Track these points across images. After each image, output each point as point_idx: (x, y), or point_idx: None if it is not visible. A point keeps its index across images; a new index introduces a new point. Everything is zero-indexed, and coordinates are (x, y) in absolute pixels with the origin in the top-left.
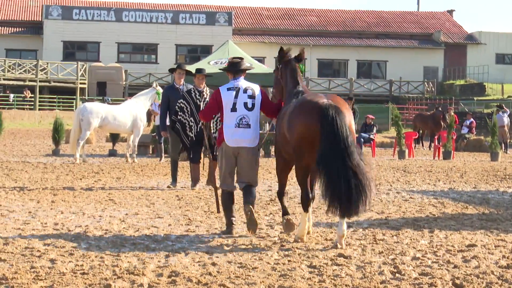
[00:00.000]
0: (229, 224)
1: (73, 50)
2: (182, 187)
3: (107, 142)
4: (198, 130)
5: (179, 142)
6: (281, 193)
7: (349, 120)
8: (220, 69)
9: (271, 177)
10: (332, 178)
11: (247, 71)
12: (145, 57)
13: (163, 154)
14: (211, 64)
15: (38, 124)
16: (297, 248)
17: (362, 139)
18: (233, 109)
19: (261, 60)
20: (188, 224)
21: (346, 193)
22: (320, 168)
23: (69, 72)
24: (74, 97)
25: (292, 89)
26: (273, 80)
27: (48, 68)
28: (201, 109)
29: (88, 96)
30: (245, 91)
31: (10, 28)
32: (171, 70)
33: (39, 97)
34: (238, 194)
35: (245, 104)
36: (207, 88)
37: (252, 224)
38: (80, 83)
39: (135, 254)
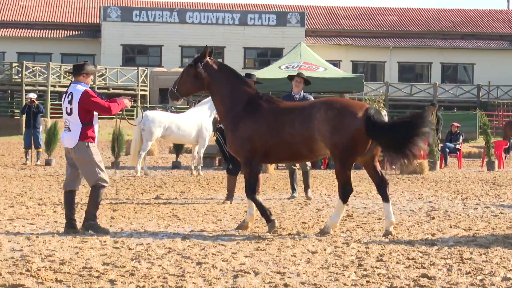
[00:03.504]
0: (68, 223)
1: (133, 55)
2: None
3: (170, 154)
4: None
5: None
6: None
7: None
8: (66, 72)
9: None
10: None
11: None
12: None
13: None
14: (282, 69)
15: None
16: (376, 267)
17: (447, 149)
18: (63, 112)
19: (336, 63)
20: (258, 242)
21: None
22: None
23: (129, 78)
24: (135, 105)
25: (247, 92)
26: (189, 78)
27: (107, 74)
28: None
29: (149, 104)
30: (68, 96)
31: (65, 31)
32: (290, 78)
33: None
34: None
35: (66, 109)
36: None
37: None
38: (141, 90)
39: (200, 275)
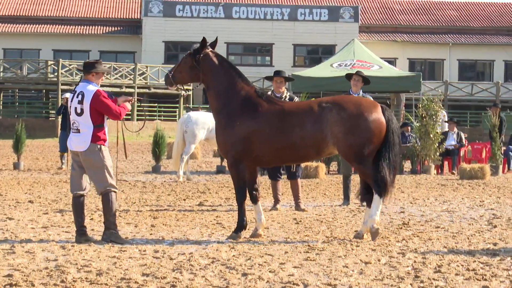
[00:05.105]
0: (78, 231)
1: (176, 52)
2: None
3: (215, 157)
4: None
5: None
6: (244, 201)
7: None
8: (77, 70)
9: (403, 197)
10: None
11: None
12: (258, 59)
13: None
14: (334, 67)
15: (136, 136)
16: (434, 279)
17: (511, 153)
18: (70, 112)
19: (392, 61)
20: (308, 252)
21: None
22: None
23: None
24: (177, 105)
25: (245, 89)
26: (185, 67)
27: (148, 73)
28: None
29: (193, 104)
30: (77, 95)
31: (104, 27)
32: (348, 76)
33: (137, 106)
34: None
35: (75, 109)
36: (288, 93)
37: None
38: (184, 90)
39: (246, 286)
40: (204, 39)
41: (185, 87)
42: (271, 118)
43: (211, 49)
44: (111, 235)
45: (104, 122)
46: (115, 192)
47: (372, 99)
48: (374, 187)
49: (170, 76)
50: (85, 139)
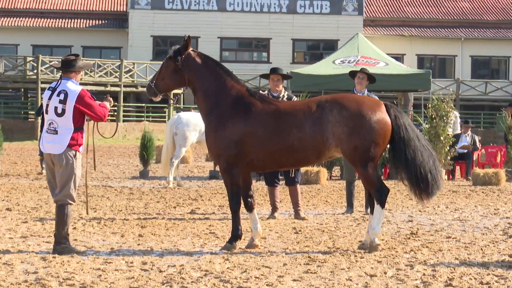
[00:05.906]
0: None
1: (165, 47)
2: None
3: (207, 162)
4: None
5: None
6: (239, 208)
7: None
8: (55, 67)
9: (412, 205)
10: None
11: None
12: (254, 55)
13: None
14: (336, 64)
15: (122, 139)
16: None
17: None
18: (46, 111)
19: (399, 57)
20: (308, 264)
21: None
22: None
23: None
24: (167, 105)
25: (236, 88)
26: (168, 72)
27: (135, 70)
28: None
29: (183, 104)
30: (58, 94)
31: (88, 21)
32: (352, 74)
33: (124, 106)
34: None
35: (55, 109)
36: (286, 92)
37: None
38: None
39: None
40: (188, 38)
41: (172, 94)
42: (266, 118)
43: (192, 49)
44: (63, 250)
45: (84, 125)
46: (71, 204)
47: (377, 98)
48: (376, 195)
49: (152, 85)
50: (61, 141)
